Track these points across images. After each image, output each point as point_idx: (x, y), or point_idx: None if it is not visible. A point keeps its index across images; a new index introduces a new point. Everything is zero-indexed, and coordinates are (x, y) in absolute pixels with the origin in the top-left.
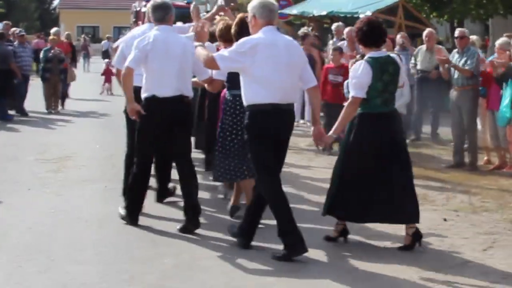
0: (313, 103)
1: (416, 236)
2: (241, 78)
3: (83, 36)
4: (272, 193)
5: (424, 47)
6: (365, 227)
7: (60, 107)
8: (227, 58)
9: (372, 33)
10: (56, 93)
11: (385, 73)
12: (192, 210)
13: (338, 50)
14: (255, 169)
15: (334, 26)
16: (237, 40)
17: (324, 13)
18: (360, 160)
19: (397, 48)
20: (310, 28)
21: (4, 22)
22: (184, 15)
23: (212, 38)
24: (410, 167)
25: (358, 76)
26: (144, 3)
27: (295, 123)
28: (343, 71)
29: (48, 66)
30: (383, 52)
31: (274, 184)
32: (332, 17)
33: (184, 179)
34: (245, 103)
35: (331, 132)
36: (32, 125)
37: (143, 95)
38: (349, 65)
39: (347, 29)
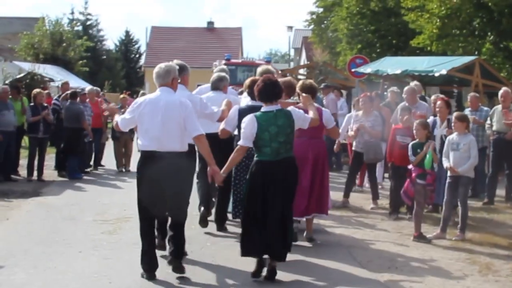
0: (200, 149)
1: (272, 273)
2: None
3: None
4: (141, 227)
5: (499, 107)
6: None
7: (131, 166)
8: (123, 118)
9: (264, 90)
10: (127, 152)
11: (271, 126)
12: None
13: (407, 111)
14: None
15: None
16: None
17: (398, 71)
18: (252, 201)
19: (469, 107)
20: (385, 87)
21: (63, 81)
22: None
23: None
24: (289, 212)
25: (244, 127)
26: (223, 62)
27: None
28: (412, 132)
29: None
30: (274, 106)
31: (144, 222)
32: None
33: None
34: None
35: (222, 171)
36: (98, 184)
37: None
38: (414, 126)
39: (406, 88)
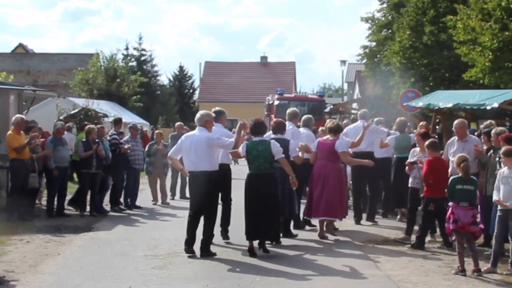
0: (232, 155)
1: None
2: None
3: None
4: (189, 217)
5: None
6: None
7: (168, 200)
8: (174, 149)
9: (255, 126)
10: (162, 186)
11: (254, 150)
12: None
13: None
14: None
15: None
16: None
17: (450, 105)
18: (248, 201)
19: None
20: (438, 121)
21: (117, 116)
22: (316, 108)
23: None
24: (276, 206)
25: (240, 148)
26: (276, 96)
27: None
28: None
29: (152, 160)
30: (259, 137)
31: (192, 217)
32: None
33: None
34: None
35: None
36: (150, 219)
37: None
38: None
39: (456, 121)
